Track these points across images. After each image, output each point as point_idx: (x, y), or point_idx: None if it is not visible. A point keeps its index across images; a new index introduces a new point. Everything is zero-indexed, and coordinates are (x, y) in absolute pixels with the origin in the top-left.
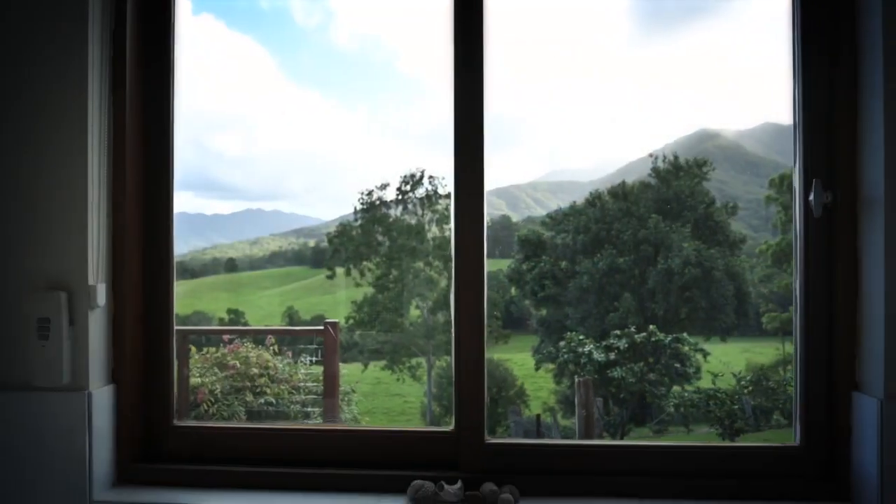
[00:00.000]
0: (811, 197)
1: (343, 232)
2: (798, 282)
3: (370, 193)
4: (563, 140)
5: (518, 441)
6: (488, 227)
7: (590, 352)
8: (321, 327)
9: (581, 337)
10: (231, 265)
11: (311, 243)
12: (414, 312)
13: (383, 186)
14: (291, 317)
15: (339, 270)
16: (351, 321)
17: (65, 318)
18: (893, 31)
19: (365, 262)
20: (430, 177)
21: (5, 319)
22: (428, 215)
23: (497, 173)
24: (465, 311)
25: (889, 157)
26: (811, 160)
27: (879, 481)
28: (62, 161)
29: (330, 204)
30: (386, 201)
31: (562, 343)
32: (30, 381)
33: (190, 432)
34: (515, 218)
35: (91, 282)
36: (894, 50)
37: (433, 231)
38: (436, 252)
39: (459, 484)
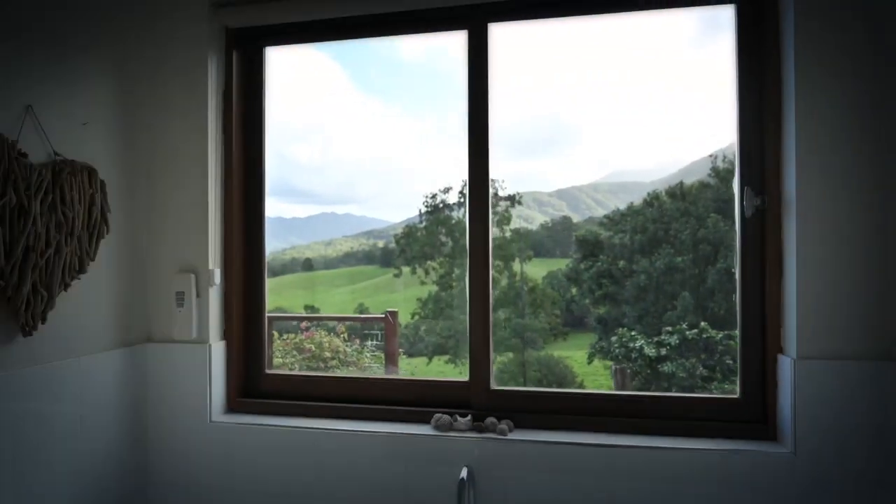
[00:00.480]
0: (744, 201)
1: (409, 233)
2: (737, 270)
3: (434, 196)
4: (624, 141)
5: (516, 388)
6: (547, 227)
7: (640, 347)
8: (382, 315)
9: (633, 333)
10: (307, 265)
11: (380, 244)
12: None
13: (446, 190)
14: (361, 312)
15: (406, 269)
16: (416, 317)
17: (194, 292)
18: (803, 77)
19: (429, 262)
20: (491, 180)
21: (156, 292)
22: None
23: (556, 175)
24: (476, 292)
25: (799, 171)
26: (747, 172)
27: (793, 423)
28: (190, 184)
29: (397, 207)
30: (448, 204)
31: (613, 339)
32: (170, 335)
33: (277, 378)
34: (576, 219)
35: (210, 267)
36: (804, 91)
37: (493, 232)
38: (496, 252)
39: (469, 417)
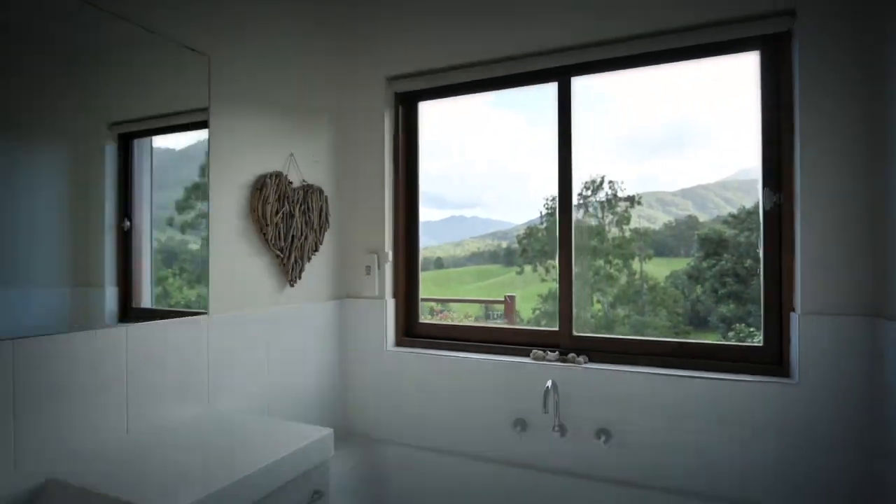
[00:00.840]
0: (764, 198)
1: (530, 234)
2: (761, 250)
3: (554, 199)
4: (753, 138)
5: (591, 334)
6: (671, 226)
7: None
8: (502, 299)
9: (751, 329)
10: (439, 263)
11: (504, 244)
12: (596, 306)
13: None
14: (486, 307)
15: (528, 268)
16: (537, 312)
17: (376, 266)
18: (806, 103)
19: (549, 261)
20: (610, 182)
21: (354, 266)
22: (608, 217)
23: (682, 175)
24: (563, 272)
25: (803, 175)
26: (767, 175)
27: (798, 363)
28: (374, 196)
29: (519, 209)
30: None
31: (731, 334)
32: (361, 293)
33: (426, 325)
34: (703, 217)
35: (386, 250)
36: (807, 114)
37: (613, 231)
38: (615, 251)
39: (557, 353)
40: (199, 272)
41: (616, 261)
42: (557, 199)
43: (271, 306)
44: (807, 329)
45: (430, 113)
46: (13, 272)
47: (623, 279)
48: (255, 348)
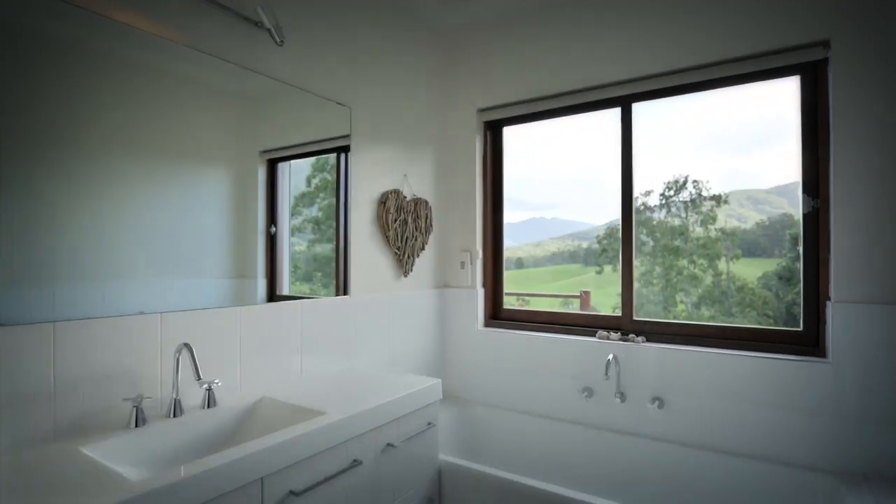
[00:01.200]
0: (803, 203)
1: (610, 234)
2: (801, 248)
3: (636, 199)
4: None
5: (648, 319)
6: (763, 225)
7: None
8: (578, 294)
9: None
10: (519, 263)
11: (584, 244)
12: (679, 307)
13: (647, 193)
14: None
15: (608, 268)
16: (615, 310)
17: (469, 262)
18: (839, 122)
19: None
20: (695, 181)
21: (451, 261)
22: (692, 217)
23: (776, 172)
24: (625, 269)
25: (836, 183)
26: (806, 182)
27: (832, 345)
28: (468, 205)
29: (600, 210)
30: (650, 206)
31: None
32: (457, 284)
33: (510, 310)
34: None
35: (477, 249)
36: (840, 131)
37: (697, 231)
38: (700, 251)
39: (619, 333)
40: (308, 270)
41: (700, 261)
42: (621, 205)
43: (391, 292)
44: (839, 315)
45: (514, 129)
46: (197, 267)
47: (708, 279)
48: (381, 323)
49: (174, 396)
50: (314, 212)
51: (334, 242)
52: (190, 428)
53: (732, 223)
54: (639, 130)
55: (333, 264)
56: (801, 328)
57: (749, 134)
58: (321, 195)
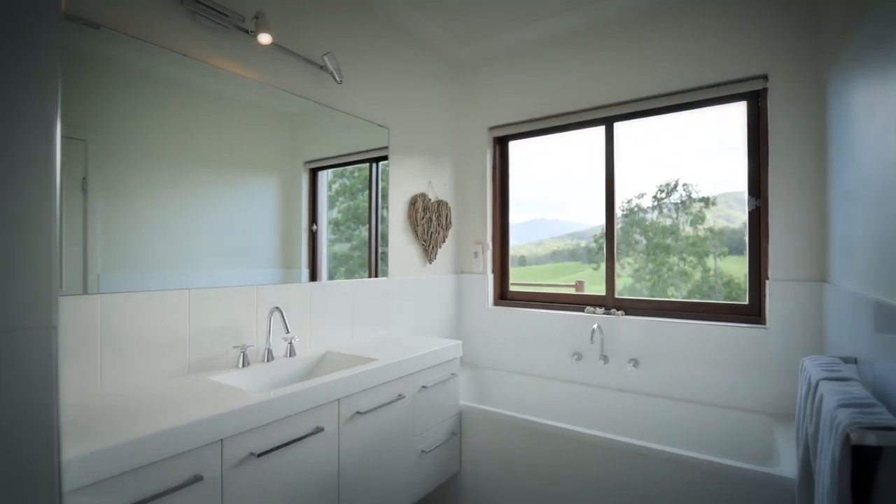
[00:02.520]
0: (748, 203)
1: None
2: (747, 238)
3: (629, 202)
4: None
5: (628, 297)
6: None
7: None
8: (573, 284)
9: None
10: (522, 261)
11: (583, 243)
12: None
13: (640, 195)
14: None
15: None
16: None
17: (481, 251)
18: (774, 138)
19: (625, 258)
20: (685, 184)
21: (465, 251)
22: (682, 217)
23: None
24: (608, 263)
25: (772, 187)
26: (750, 186)
27: (771, 316)
28: (479, 205)
29: (596, 213)
30: (643, 207)
31: None
32: (471, 270)
33: (515, 293)
34: None
35: (487, 241)
36: (774, 145)
37: (686, 230)
38: (689, 249)
39: (603, 309)
40: (335, 263)
41: (690, 258)
42: (605, 206)
43: (419, 275)
44: (774, 291)
45: (518, 143)
46: (254, 258)
47: (697, 275)
48: (411, 299)
49: (267, 346)
50: (334, 214)
51: (367, 235)
52: (280, 369)
53: (721, 223)
54: (627, 142)
55: (352, 261)
56: (747, 302)
57: (733, 145)
58: (340, 199)
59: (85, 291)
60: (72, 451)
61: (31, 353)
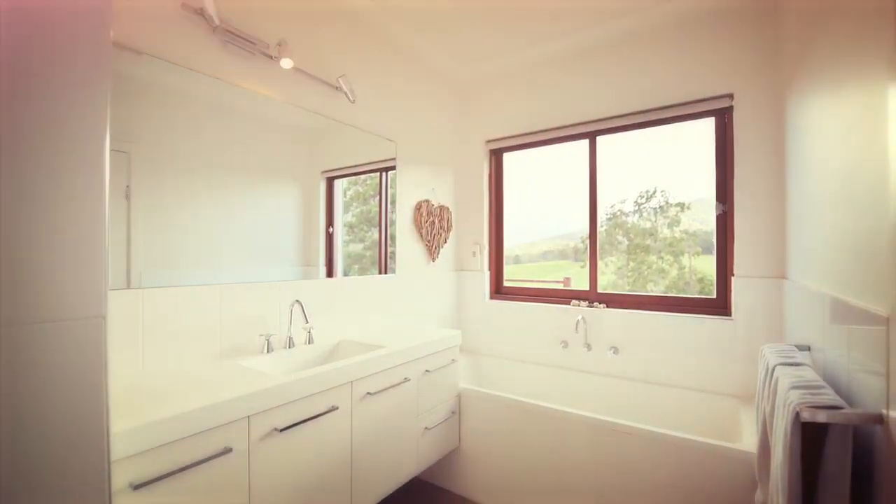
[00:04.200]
0: (717, 208)
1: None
2: (714, 239)
3: (613, 206)
4: None
5: (610, 292)
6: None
7: None
8: (561, 280)
9: None
10: (517, 259)
11: (571, 244)
12: None
13: (623, 201)
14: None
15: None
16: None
17: (478, 251)
18: (739, 150)
19: (609, 257)
20: (662, 191)
21: (467, 251)
22: (660, 220)
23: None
24: (591, 259)
25: (737, 194)
26: (718, 193)
27: (735, 309)
28: (477, 211)
29: (584, 216)
30: (624, 212)
31: None
32: (469, 268)
33: (509, 288)
34: None
35: (484, 242)
36: (740, 157)
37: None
38: (667, 248)
39: (587, 302)
40: (350, 262)
41: (667, 257)
42: (588, 210)
43: (424, 272)
44: (738, 286)
45: (512, 154)
46: (276, 257)
47: (674, 272)
48: (416, 294)
49: (289, 335)
50: (348, 217)
51: (378, 236)
52: (300, 355)
53: (695, 225)
54: (610, 154)
55: (365, 260)
56: (714, 296)
57: (705, 156)
58: (354, 204)
59: (129, 286)
60: (119, 424)
61: (84, 339)
